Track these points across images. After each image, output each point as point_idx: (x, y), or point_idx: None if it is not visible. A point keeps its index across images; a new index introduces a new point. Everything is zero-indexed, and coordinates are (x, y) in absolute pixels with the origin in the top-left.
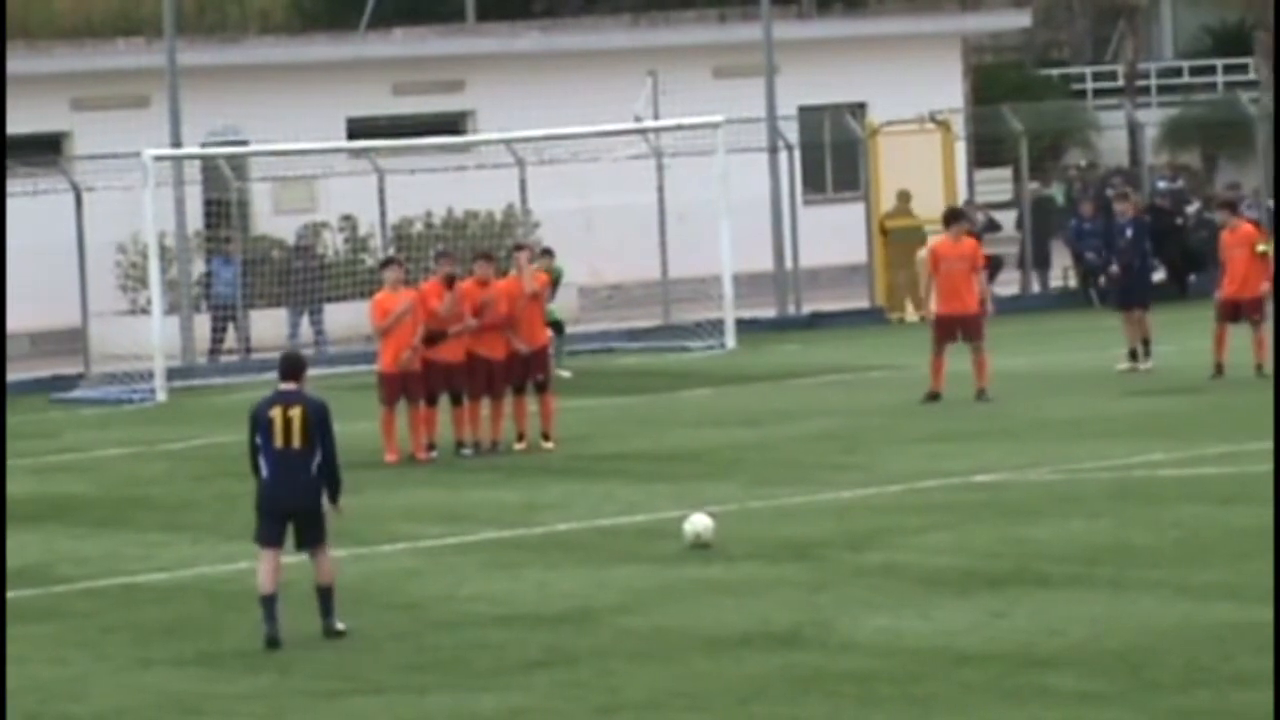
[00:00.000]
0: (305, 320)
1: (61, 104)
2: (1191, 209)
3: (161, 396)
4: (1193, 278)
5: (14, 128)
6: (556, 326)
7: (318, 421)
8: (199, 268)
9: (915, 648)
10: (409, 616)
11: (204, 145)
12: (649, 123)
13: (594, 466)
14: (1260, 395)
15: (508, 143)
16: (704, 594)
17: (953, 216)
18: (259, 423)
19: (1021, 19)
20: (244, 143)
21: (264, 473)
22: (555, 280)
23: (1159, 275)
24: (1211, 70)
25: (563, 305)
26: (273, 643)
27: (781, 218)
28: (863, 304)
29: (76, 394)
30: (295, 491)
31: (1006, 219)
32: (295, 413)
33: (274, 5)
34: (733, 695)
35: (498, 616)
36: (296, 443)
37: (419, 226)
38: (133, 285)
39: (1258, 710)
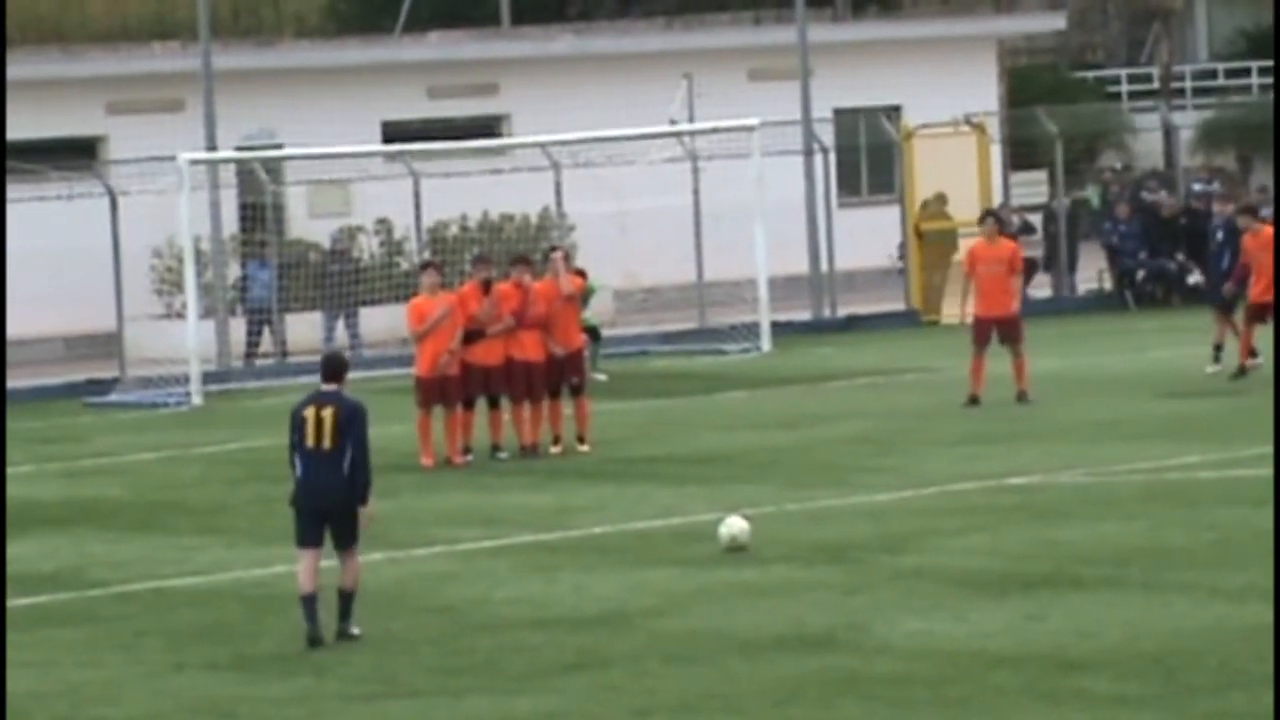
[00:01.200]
0: (341, 324)
1: (96, 108)
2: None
3: (197, 400)
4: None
5: (49, 131)
6: (593, 333)
7: (348, 422)
8: (234, 271)
9: (950, 650)
10: (444, 619)
11: (239, 149)
12: (684, 125)
13: (628, 469)
14: None
15: (543, 146)
16: (739, 597)
17: (983, 216)
18: (295, 422)
19: (1056, 21)
20: (279, 146)
21: (298, 471)
22: (587, 297)
23: (1195, 277)
24: (1246, 73)
25: (597, 309)
26: (314, 642)
27: (817, 220)
28: (898, 306)
29: (112, 398)
30: (325, 491)
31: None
32: (328, 413)
33: (309, 9)
34: (767, 698)
35: (533, 619)
36: (327, 443)
37: (454, 230)
38: (168, 289)
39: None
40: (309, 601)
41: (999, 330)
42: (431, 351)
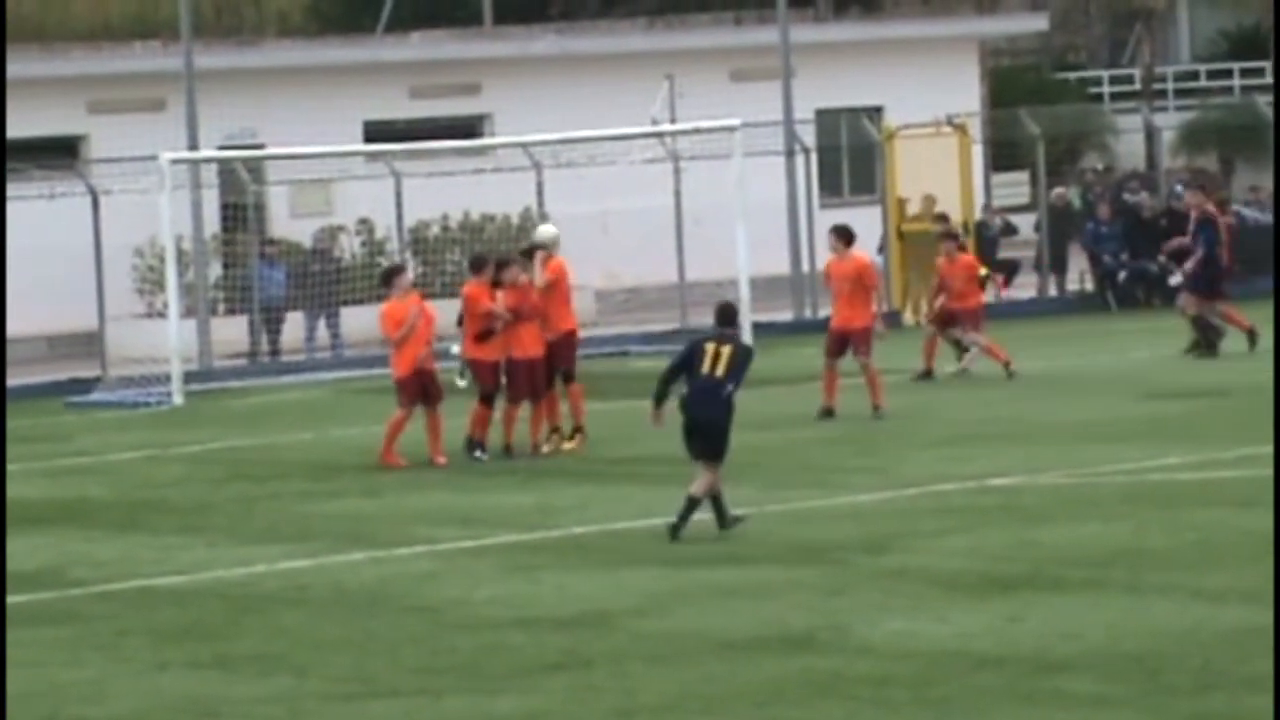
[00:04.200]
0: (322, 323)
1: (78, 107)
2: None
3: (178, 400)
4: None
5: (31, 130)
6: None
7: (741, 360)
8: (215, 271)
9: (931, 651)
10: (425, 619)
11: (221, 148)
12: (665, 126)
13: (609, 469)
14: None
15: (524, 146)
16: (720, 597)
17: (833, 231)
18: (694, 350)
19: (1038, 22)
20: (261, 146)
21: (686, 391)
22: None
23: (1176, 278)
24: (1228, 74)
25: (578, 309)
26: (674, 532)
27: (798, 221)
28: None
29: (93, 397)
30: (707, 410)
31: (1024, 222)
32: (726, 349)
33: (291, 8)
34: (748, 699)
35: (514, 619)
36: (720, 371)
37: (435, 230)
38: (149, 288)
39: (1273, 714)
40: (692, 502)
41: (851, 340)
42: (410, 353)
